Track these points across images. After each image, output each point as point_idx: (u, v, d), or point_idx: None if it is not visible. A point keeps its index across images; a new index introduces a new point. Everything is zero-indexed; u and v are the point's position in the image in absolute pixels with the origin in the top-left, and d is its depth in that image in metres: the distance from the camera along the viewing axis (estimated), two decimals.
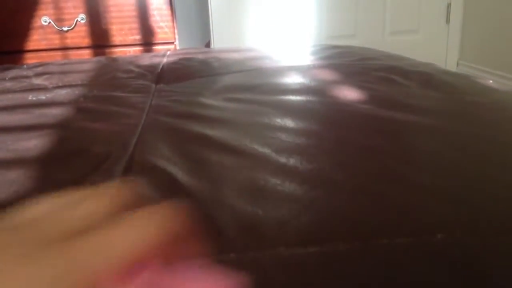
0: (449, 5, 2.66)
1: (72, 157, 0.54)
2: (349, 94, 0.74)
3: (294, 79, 0.85)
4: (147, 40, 1.95)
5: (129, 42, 1.94)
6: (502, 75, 2.40)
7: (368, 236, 0.34)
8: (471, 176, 0.45)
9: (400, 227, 0.36)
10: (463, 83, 0.82)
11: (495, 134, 0.58)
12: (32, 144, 0.58)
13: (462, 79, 0.85)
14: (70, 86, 0.85)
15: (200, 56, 1.11)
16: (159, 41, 1.96)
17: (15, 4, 1.84)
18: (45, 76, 0.93)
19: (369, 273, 0.31)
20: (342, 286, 0.30)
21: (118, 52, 1.93)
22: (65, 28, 1.88)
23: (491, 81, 0.88)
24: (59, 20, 1.87)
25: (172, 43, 1.98)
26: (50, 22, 1.86)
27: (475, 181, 0.44)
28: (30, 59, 1.89)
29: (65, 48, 1.91)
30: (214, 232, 0.35)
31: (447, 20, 2.69)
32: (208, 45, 2.43)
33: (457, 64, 2.75)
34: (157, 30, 1.95)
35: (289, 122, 0.61)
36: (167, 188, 0.45)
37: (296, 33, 2.47)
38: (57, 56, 1.90)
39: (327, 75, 0.88)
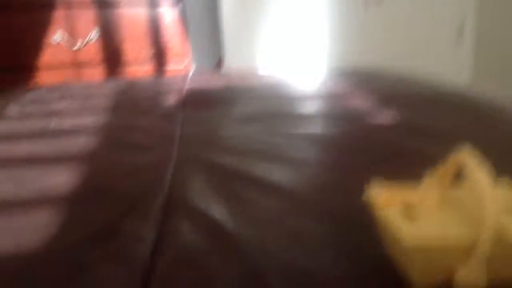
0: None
1: (102, 196, 0.51)
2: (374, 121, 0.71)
3: (319, 107, 0.83)
4: (160, 57, 1.94)
5: (141, 60, 1.92)
6: None
7: None
8: None
9: None
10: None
11: None
12: (57, 181, 0.55)
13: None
14: (92, 112, 0.83)
15: (221, 82, 1.08)
16: (172, 58, 1.95)
17: (27, 20, 1.83)
18: (65, 101, 0.91)
19: None
20: None
21: (131, 70, 1.91)
22: (77, 45, 1.87)
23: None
24: (71, 37, 1.86)
25: (185, 60, 1.96)
26: (62, 39, 1.85)
27: None
28: (41, 76, 1.87)
29: (76, 66, 1.90)
30: None
31: (460, 40, 2.67)
32: (219, 62, 2.42)
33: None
34: (169, 47, 1.93)
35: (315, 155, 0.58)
36: (211, 235, 0.42)
37: (309, 53, 2.46)
38: (68, 73, 1.89)
39: (354, 102, 0.85)
